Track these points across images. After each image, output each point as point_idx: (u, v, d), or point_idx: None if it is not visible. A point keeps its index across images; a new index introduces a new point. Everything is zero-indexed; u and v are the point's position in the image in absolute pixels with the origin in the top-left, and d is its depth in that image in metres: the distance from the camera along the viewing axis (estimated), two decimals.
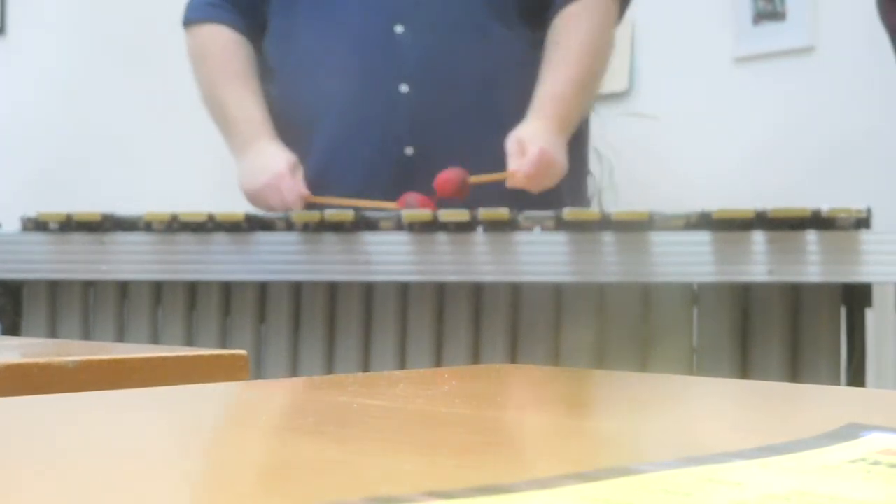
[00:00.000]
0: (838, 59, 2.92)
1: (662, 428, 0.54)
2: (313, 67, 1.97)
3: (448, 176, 1.82)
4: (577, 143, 2.00)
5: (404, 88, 1.92)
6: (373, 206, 1.81)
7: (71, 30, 3.71)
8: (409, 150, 1.92)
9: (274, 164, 1.91)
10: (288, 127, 1.99)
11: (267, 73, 2.05)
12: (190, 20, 2.10)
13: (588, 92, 1.95)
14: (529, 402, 0.64)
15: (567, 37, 1.93)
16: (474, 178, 1.82)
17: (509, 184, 1.82)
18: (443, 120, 1.92)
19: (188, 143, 3.74)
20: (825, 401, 0.68)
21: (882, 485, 0.37)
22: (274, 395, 0.68)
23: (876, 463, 0.40)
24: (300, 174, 1.92)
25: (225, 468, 0.40)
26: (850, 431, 0.45)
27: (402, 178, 1.89)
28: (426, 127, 1.91)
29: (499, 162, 1.83)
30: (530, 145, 1.81)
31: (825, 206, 1.58)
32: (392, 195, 1.84)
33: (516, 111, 1.89)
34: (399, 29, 1.94)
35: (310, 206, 1.86)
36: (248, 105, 1.99)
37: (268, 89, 2.03)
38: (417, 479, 0.38)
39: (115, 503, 0.33)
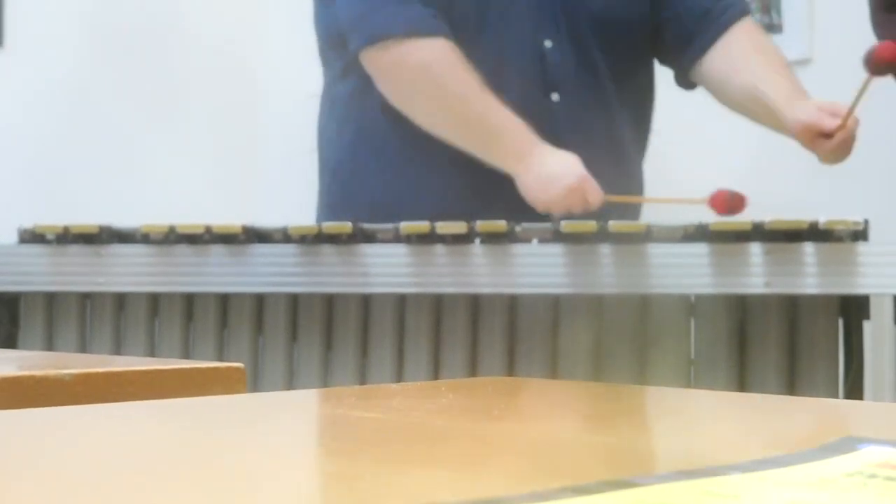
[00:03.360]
0: (835, 70, 2.92)
1: (660, 440, 0.54)
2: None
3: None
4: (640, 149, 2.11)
5: (555, 97, 1.96)
6: (677, 201, 1.84)
7: (69, 43, 3.71)
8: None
9: (574, 167, 1.88)
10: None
11: None
12: (397, 34, 1.95)
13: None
14: (527, 415, 0.64)
15: (765, 45, 2.04)
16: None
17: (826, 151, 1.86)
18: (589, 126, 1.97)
19: (186, 156, 3.74)
20: (822, 413, 0.68)
21: (879, 497, 0.37)
22: (271, 407, 0.67)
23: (873, 476, 0.40)
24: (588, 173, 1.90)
25: (222, 481, 0.40)
26: (847, 444, 0.45)
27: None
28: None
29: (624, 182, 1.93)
30: (835, 104, 1.84)
31: (822, 217, 1.58)
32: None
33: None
34: (548, 44, 1.97)
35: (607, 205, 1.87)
36: (511, 115, 1.92)
37: None
38: (415, 491, 0.38)
39: None
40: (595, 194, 1.86)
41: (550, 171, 1.88)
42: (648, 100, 2.12)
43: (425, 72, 1.95)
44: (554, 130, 1.93)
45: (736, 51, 2.01)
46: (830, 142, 1.82)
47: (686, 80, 2.08)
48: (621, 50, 2.02)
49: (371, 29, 1.96)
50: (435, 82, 1.95)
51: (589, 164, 1.90)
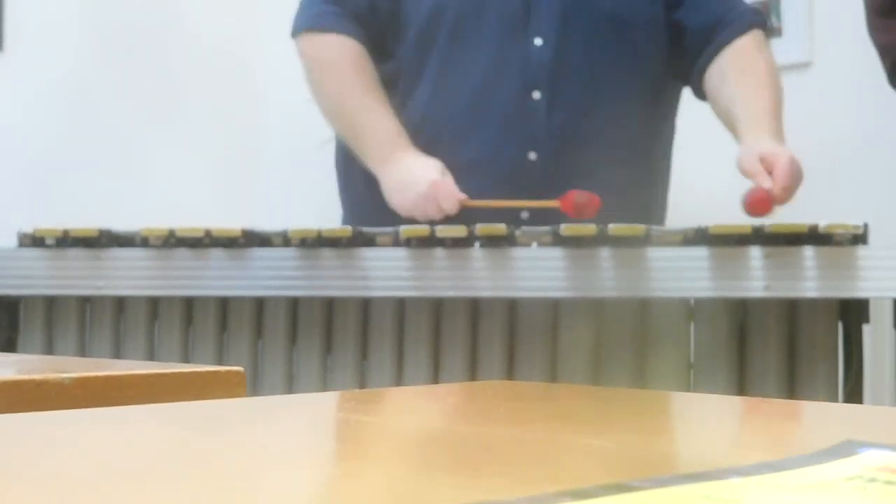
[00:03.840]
0: (835, 74, 2.92)
1: (660, 444, 0.54)
2: (455, 86, 1.98)
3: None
4: (664, 155, 2.11)
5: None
6: (532, 205, 1.84)
7: (69, 45, 3.71)
8: (532, 155, 1.94)
9: (427, 173, 1.89)
10: (430, 141, 1.97)
11: (392, 88, 2.03)
12: (309, 27, 2.06)
13: (781, 116, 1.97)
14: (526, 419, 0.64)
15: (752, 64, 2.00)
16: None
17: (774, 204, 1.79)
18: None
19: (186, 158, 3.74)
20: (822, 417, 0.68)
21: (879, 501, 0.37)
22: (271, 411, 0.67)
23: (873, 480, 0.40)
24: (450, 179, 1.90)
25: (221, 484, 0.40)
26: (847, 448, 0.45)
27: (526, 184, 1.92)
28: (556, 137, 1.94)
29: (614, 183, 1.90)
30: (778, 159, 1.79)
31: (822, 221, 1.58)
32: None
33: (640, 147, 2.02)
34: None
35: (466, 211, 1.85)
36: (384, 118, 1.97)
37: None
38: (413, 495, 0.38)
39: None
40: (448, 201, 1.86)
41: (406, 178, 1.91)
42: (659, 111, 2.10)
43: (323, 66, 2.05)
44: (532, 129, 1.94)
45: (728, 65, 2.00)
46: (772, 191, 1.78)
47: (700, 91, 2.07)
48: (629, 53, 2.01)
49: (296, 20, 2.10)
50: (329, 77, 2.04)
51: (575, 165, 1.90)
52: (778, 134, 1.90)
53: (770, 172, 1.78)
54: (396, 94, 2.02)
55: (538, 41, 1.97)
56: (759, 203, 1.76)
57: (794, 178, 1.78)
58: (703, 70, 2.03)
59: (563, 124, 1.95)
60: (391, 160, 1.93)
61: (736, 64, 2.00)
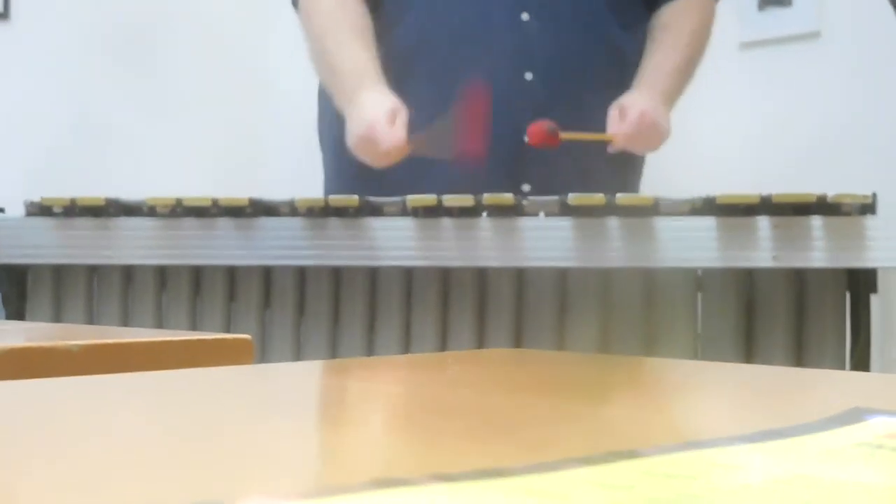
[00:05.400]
0: (844, 44, 2.91)
1: (666, 412, 0.54)
2: (438, 59, 1.95)
3: (538, 126, 1.83)
4: None
5: (529, 76, 1.93)
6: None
7: (76, 15, 3.70)
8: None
9: (369, 114, 1.80)
10: (422, 67, 1.94)
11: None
12: None
13: (687, 78, 2.02)
14: (533, 387, 0.64)
15: (679, 23, 2.01)
16: (568, 136, 1.82)
17: (611, 148, 1.87)
18: (563, 105, 1.93)
19: (193, 131, 3.74)
20: (829, 385, 0.68)
21: (885, 468, 0.37)
22: (278, 379, 0.68)
23: (880, 447, 0.40)
24: (402, 120, 1.79)
25: (229, 453, 0.40)
26: (853, 415, 0.45)
27: (520, 155, 1.90)
28: (547, 108, 1.92)
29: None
30: (630, 110, 1.86)
31: (830, 191, 1.58)
32: (511, 172, 1.89)
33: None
34: (525, 17, 1.95)
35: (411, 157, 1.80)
36: (356, 56, 1.89)
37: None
38: (421, 462, 0.38)
39: (120, 488, 0.33)
40: (385, 143, 1.77)
41: (356, 117, 1.83)
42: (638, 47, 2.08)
43: (308, 14, 2.00)
44: (527, 50, 1.93)
45: (660, 21, 2.02)
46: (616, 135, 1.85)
47: None
48: (623, 24, 2.01)
49: None
50: (312, 21, 1.99)
51: (572, 86, 1.91)
52: (668, 93, 1.94)
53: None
54: (380, 18, 1.97)
55: (525, 16, 1.95)
56: (536, 132, 1.82)
57: (641, 128, 1.85)
58: (651, 23, 2.05)
59: (556, 44, 1.95)
60: (354, 99, 1.85)
61: (666, 20, 2.02)
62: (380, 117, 1.78)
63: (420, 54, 1.96)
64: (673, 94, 1.97)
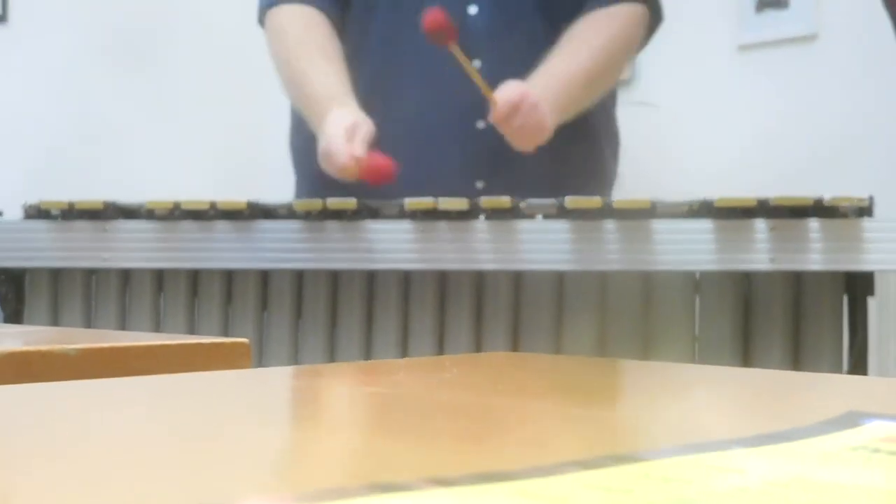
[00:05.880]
0: (841, 46, 2.92)
1: (663, 415, 0.54)
2: (390, 54, 1.96)
3: (439, 14, 1.79)
4: (588, 133, 2.03)
5: (477, 63, 1.91)
6: None
7: (74, 18, 3.70)
8: (480, 124, 1.90)
9: (330, 128, 1.80)
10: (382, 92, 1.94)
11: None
12: (270, 3, 2.02)
13: (585, 92, 1.94)
14: (530, 390, 0.64)
15: (587, 34, 1.94)
16: (460, 55, 1.78)
17: (490, 116, 1.81)
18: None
19: (191, 133, 3.74)
20: (826, 388, 0.68)
21: (882, 472, 0.37)
22: (276, 383, 0.68)
23: (876, 450, 0.40)
24: (362, 135, 1.79)
25: (226, 456, 0.40)
26: (851, 419, 0.45)
27: (473, 154, 1.89)
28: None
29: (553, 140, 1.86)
30: (520, 86, 1.81)
31: (827, 194, 1.58)
32: (464, 172, 1.88)
33: None
34: (472, 10, 1.94)
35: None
36: (326, 81, 1.89)
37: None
38: (418, 465, 0.38)
39: (117, 491, 0.33)
40: (343, 157, 1.77)
41: (322, 134, 1.83)
42: None
43: (277, 35, 2.01)
44: (472, 39, 1.91)
45: (570, 31, 1.95)
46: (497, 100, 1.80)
47: None
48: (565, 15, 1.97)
49: (259, 8, 2.07)
50: (280, 45, 2.00)
51: (520, 73, 1.88)
52: (557, 100, 1.86)
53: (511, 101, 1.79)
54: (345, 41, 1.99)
55: (472, 10, 1.95)
56: (434, 19, 1.79)
57: (525, 107, 1.79)
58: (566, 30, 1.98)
59: (501, 34, 1.94)
60: (323, 122, 1.85)
61: (577, 31, 1.95)
62: (339, 132, 1.79)
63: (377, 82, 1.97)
64: (563, 103, 1.88)
